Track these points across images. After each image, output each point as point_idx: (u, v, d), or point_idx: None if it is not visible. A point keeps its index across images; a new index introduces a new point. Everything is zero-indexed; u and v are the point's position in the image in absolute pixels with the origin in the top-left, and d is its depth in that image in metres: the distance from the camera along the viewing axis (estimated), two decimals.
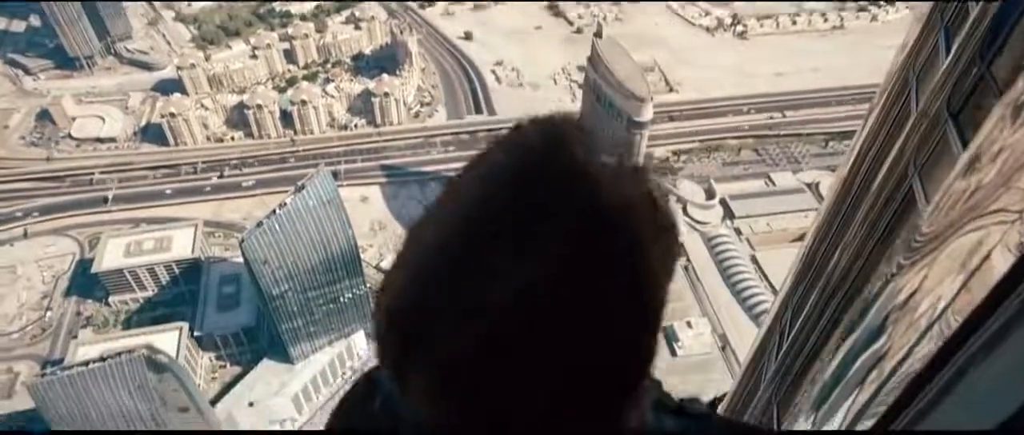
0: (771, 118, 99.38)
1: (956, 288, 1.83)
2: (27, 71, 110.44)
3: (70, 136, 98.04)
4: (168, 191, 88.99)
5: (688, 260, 78.79)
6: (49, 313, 75.16)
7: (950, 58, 3.83)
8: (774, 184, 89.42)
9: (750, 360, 7.97)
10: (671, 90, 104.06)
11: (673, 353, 67.86)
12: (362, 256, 71.87)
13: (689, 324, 69.89)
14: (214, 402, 66.04)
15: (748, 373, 8.27)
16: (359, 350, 71.54)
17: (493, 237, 0.86)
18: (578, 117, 1.04)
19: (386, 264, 78.50)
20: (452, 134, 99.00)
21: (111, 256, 74.24)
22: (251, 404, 66.10)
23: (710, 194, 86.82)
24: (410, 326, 0.91)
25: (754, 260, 77.60)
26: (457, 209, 0.93)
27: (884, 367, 2.33)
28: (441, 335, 0.88)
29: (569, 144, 0.91)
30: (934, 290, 2.13)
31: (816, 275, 6.63)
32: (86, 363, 58.22)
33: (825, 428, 2.98)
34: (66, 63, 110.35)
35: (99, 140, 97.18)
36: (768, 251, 76.93)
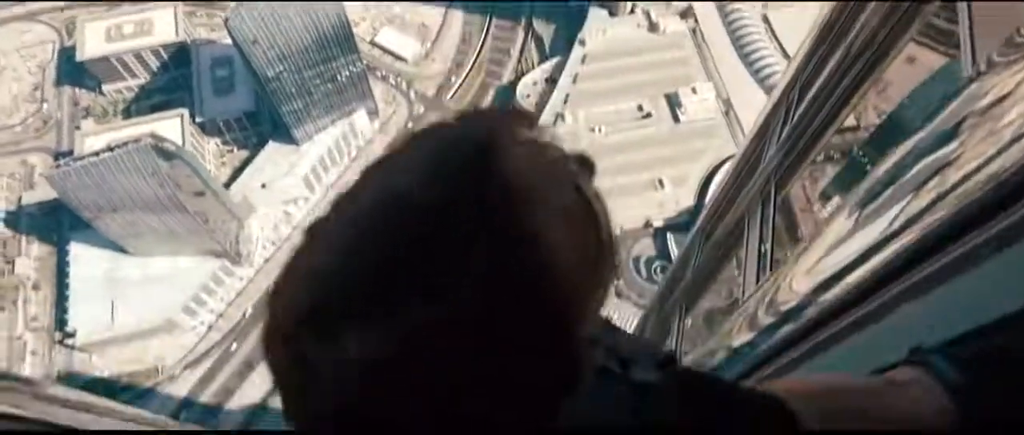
0: None
1: None
2: None
3: None
4: None
5: (696, 22, 75.19)
6: (46, 105, 74.55)
7: None
8: None
9: (754, 135, 7.55)
10: None
11: (676, 119, 67.95)
12: (355, 31, 68.67)
13: (693, 90, 68.84)
14: (227, 185, 68.40)
15: (751, 146, 7.89)
16: (362, 129, 71.90)
17: (383, 275, 0.74)
18: (512, 110, 0.94)
19: (380, 39, 75.48)
20: None
21: (92, 43, 71.26)
22: (263, 186, 68.49)
23: None
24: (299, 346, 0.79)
25: (765, 20, 73.84)
26: (348, 235, 0.80)
27: (948, 176, 1.84)
28: (326, 374, 0.77)
29: (488, 162, 0.78)
30: None
31: (837, 39, 5.91)
32: (96, 154, 59.12)
33: (866, 229, 2.63)
34: None
35: None
36: (780, 11, 72.78)
